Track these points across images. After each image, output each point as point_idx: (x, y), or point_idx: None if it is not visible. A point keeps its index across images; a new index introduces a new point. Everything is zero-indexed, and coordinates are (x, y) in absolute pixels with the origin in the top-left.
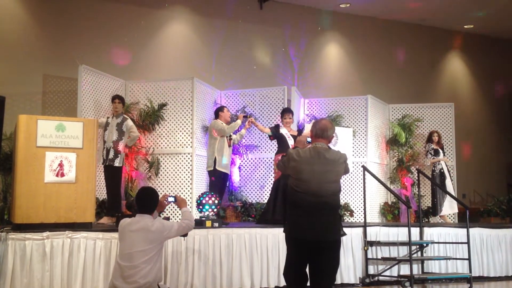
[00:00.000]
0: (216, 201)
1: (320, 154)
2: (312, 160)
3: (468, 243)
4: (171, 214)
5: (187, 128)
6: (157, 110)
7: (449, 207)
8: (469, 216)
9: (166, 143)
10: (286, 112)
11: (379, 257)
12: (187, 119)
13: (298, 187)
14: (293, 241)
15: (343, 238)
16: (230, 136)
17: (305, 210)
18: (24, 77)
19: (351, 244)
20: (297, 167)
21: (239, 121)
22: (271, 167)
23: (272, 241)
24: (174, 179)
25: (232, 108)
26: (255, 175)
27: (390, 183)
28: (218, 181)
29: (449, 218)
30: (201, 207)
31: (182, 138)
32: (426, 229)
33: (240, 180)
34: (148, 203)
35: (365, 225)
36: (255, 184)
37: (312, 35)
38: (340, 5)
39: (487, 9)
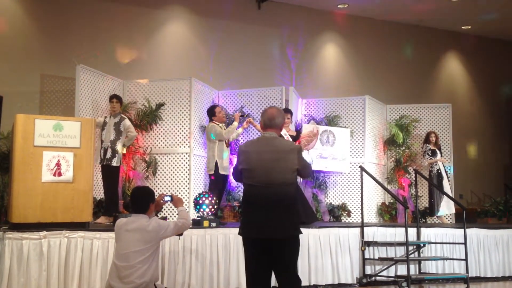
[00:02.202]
0: (213, 201)
1: (268, 142)
2: (260, 149)
3: (465, 243)
4: (168, 214)
5: (185, 128)
6: (155, 110)
7: (446, 208)
8: (466, 217)
9: (163, 143)
10: (284, 112)
11: (376, 257)
12: (185, 119)
13: (247, 179)
14: (247, 242)
15: (340, 238)
16: None
17: (256, 205)
18: (22, 76)
19: (348, 244)
20: (246, 159)
21: (235, 123)
22: None
23: None
24: (171, 179)
25: (230, 108)
26: None
27: (387, 184)
28: (218, 183)
29: (446, 218)
30: (198, 207)
31: (180, 138)
32: (423, 230)
33: None
34: (143, 202)
35: (362, 225)
36: None
37: (310, 35)
38: (338, 6)
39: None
